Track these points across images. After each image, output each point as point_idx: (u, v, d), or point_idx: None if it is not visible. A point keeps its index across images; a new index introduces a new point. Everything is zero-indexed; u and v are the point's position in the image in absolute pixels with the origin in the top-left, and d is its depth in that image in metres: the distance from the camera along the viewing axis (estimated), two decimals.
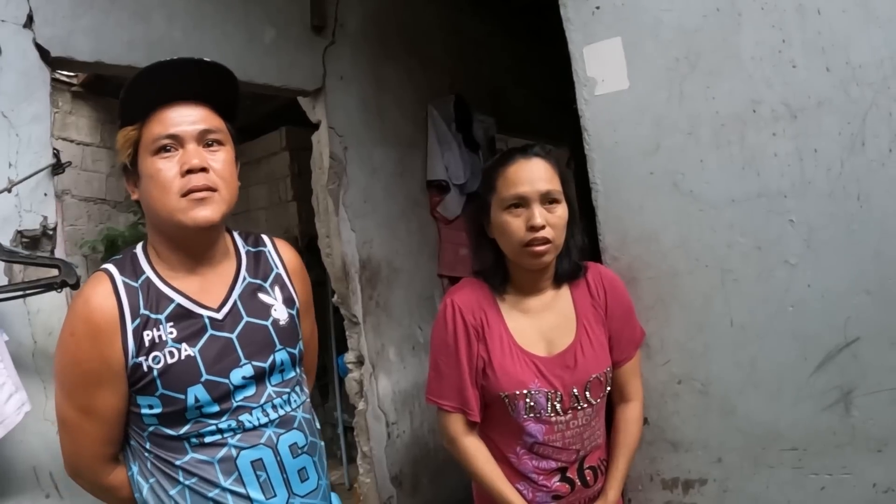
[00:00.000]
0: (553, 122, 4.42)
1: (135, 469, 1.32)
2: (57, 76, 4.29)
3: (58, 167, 1.86)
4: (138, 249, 1.36)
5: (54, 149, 1.89)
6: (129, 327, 1.24)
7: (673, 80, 1.62)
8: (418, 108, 3.43)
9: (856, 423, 1.46)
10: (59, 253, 1.86)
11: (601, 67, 1.72)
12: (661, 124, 1.64)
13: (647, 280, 1.69)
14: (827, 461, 1.51)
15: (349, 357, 3.00)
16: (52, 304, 1.77)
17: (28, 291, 1.66)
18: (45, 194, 1.86)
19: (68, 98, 4.71)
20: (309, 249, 4.84)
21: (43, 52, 1.90)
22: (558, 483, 1.55)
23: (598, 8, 1.70)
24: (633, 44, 1.67)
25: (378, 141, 3.16)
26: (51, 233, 1.82)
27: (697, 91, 1.59)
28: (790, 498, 1.55)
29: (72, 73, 4.52)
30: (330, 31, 2.96)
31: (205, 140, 1.29)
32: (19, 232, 1.77)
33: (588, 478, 1.57)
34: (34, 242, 1.79)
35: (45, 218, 1.83)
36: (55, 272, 1.67)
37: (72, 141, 4.72)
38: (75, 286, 1.59)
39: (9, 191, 1.70)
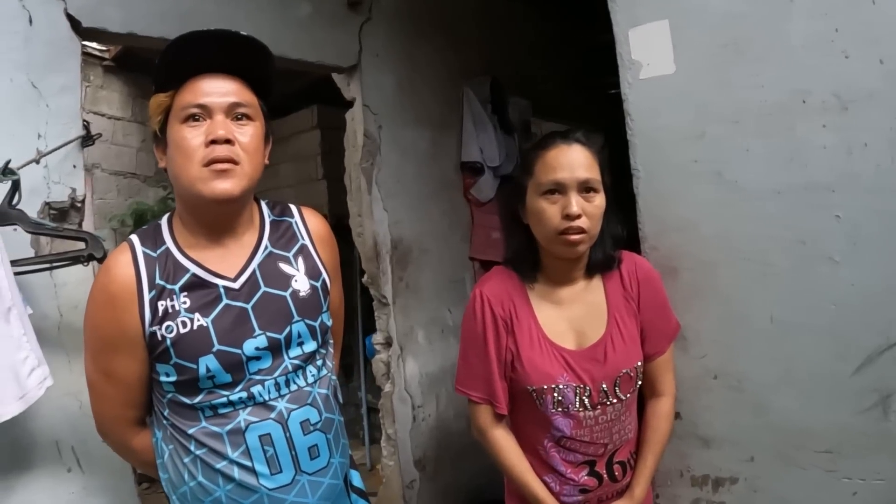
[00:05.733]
0: (588, 107, 4.35)
1: (159, 435, 1.36)
2: (89, 51, 4.34)
3: (87, 139, 1.86)
4: (163, 220, 1.38)
5: (84, 120, 1.88)
6: (146, 297, 1.27)
7: (719, 66, 1.57)
8: (451, 89, 3.42)
9: (893, 428, 1.42)
10: (88, 226, 1.86)
11: (646, 51, 1.67)
12: (705, 111, 1.60)
13: (685, 271, 1.65)
14: (861, 466, 1.47)
15: (377, 338, 3.00)
16: (78, 278, 1.78)
17: (55, 264, 1.66)
18: (74, 166, 1.85)
19: (100, 72, 4.77)
20: (337, 229, 4.90)
21: (73, 23, 1.89)
22: (586, 477, 1.53)
23: None
24: (679, 27, 1.62)
25: (411, 121, 3.14)
26: (79, 205, 1.82)
27: (744, 78, 1.54)
28: (821, 501, 1.52)
29: (104, 48, 4.57)
30: (366, 8, 2.94)
31: (234, 113, 1.29)
32: (47, 203, 1.77)
33: (616, 473, 1.55)
34: (62, 214, 1.79)
35: (74, 190, 1.83)
36: (82, 245, 1.67)
37: (103, 115, 4.78)
38: (102, 259, 1.59)
39: (37, 162, 1.70)
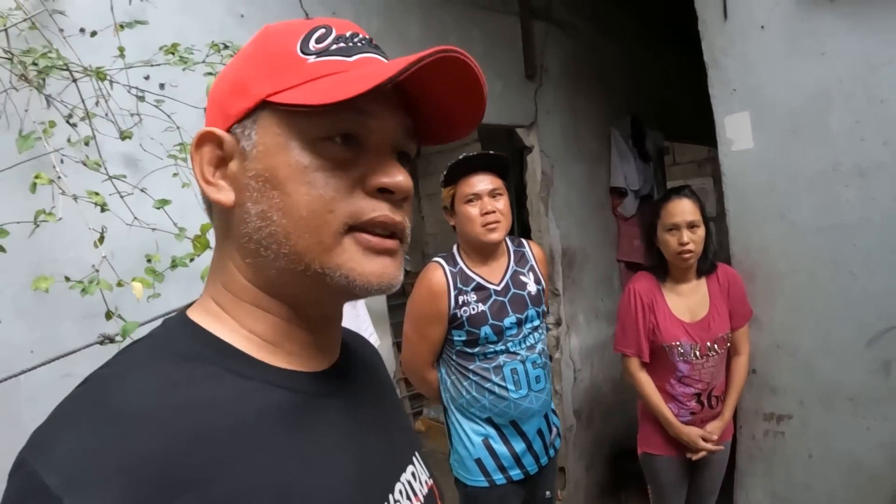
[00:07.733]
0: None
1: (443, 371, 2.24)
2: None
3: None
4: (455, 250, 2.22)
5: None
6: (452, 293, 2.12)
7: (782, 144, 2.21)
8: (602, 128, 4.01)
9: (893, 384, 2.01)
10: None
11: (736, 132, 2.35)
12: (773, 173, 2.25)
13: (760, 277, 2.36)
14: (873, 410, 2.07)
15: (550, 320, 3.72)
16: None
17: None
18: None
19: None
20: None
21: None
22: (694, 404, 2.34)
23: (734, 90, 2.34)
24: (757, 116, 2.27)
25: (574, 157, 3.79)
26: None
27: (799, 153, 2.17)
28: (846, 434, 2.15)
29: None
30: (538, 77, 3.56)
31: (493, 194, 2.11)
32: None
33: (713, 403, 2.35)
34: None
35: None
36: None
37: None
38: (409, 273, 2.52)
39: None
